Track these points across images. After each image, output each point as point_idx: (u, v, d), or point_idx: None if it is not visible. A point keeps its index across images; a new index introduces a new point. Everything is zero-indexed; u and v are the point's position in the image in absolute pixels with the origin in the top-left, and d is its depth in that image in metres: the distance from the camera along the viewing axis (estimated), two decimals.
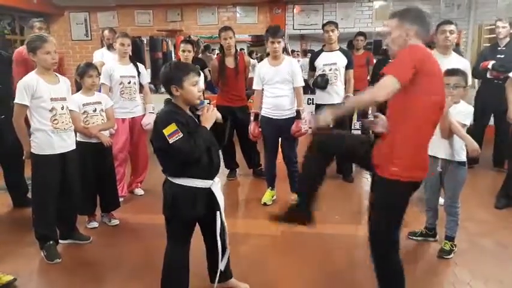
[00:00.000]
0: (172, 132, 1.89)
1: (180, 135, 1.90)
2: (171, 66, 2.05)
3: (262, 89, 3.66)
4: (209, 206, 2.07)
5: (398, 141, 1.89)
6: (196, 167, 2.00)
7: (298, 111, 3.55)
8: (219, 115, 2.13)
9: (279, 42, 3.47)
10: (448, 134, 2.56)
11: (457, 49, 4.64)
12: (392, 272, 2.04)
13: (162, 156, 2.01)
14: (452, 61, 3.16)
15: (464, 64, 3.26)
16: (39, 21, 4.01)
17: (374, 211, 2.07)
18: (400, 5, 6.53)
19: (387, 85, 1.78)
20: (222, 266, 2.19)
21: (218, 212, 2.09)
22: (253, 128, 3.70)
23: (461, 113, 2.58)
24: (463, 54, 5.32)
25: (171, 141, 1.89)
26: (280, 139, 3.73)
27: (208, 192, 2.05)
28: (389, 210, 1.98)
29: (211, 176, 2.08)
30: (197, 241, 2.22)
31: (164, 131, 1.90)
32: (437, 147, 2.60)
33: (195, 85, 2.02)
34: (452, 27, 3.32)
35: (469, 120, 2.62)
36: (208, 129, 2.03)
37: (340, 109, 1.91)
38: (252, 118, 3.73)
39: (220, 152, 2.22)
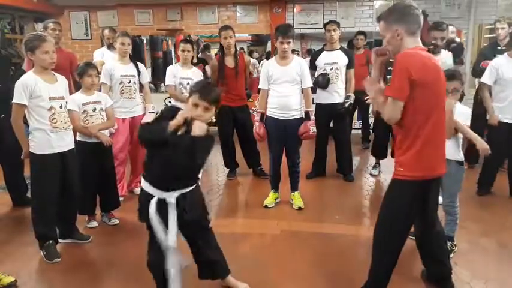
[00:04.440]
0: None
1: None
2: None
3: (269, 89, 3.55)
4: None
5: (402, 143, 1.98)
6: (148, 169, 1.99)
7: (307, 113, 3.48)
8: (204, 127, 1.88)
9: (288, 42, 3.37)
10: (450, 134, 2.56)
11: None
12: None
13: None
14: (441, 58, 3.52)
15: (448, 55, 3.69)
16: (53, 22, 4.00)
17: (380, 214, 2.13)
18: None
19: (394, 109, 1.89)
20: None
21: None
22: (258, 128, 3.56)
23: (463, 114, 2.59)
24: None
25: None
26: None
27: (163, 202, 1.93)
28: (393, 210, 2.05)
29: (162, 186, 1.92)
30: None
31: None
32: None
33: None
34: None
35: (469, 121, 2.64)
36: (171, 126, 1.83)
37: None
38: (257, 118, 3.61)
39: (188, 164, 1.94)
